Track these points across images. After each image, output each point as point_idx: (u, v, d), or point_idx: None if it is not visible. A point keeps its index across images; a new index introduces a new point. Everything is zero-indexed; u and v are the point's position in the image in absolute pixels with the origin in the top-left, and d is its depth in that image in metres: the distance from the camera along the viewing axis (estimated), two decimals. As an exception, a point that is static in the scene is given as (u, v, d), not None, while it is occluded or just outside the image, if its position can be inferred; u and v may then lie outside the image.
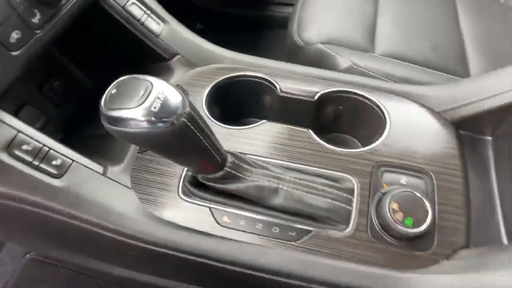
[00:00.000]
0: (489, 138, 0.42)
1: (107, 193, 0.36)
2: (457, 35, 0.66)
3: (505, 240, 0.36)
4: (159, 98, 0.24)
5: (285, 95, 0.45)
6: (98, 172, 0.36)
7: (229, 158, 0.34)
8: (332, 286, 0.32)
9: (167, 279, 0.53)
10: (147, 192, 0.38)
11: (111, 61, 0.52)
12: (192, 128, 0.27)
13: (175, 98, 0.25)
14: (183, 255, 0.35)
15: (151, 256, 0.38)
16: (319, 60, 0.58)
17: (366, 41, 0.61)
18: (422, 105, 0.43)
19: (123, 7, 0.45)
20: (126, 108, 0.24)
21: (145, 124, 0.24)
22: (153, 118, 0.24)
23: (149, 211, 0.36)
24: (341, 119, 0.48)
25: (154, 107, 0.24)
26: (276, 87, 0.45)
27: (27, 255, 0.76)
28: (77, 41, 0.48)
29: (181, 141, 0.27)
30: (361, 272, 0.32)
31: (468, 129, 0.42)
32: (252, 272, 0.34)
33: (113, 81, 0.25)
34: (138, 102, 0.24)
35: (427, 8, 0.71)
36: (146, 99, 0.24)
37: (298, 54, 0.62)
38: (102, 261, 0.53)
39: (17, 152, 0.32)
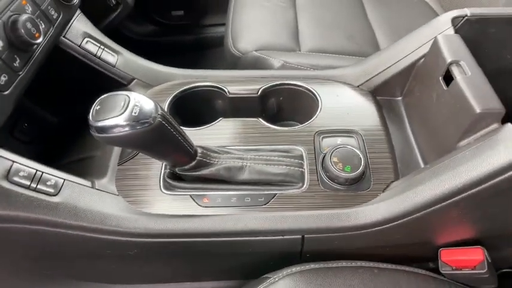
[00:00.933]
0: (399, 98, 0.53)
1: (99, 202, 0.42)
2: (367, 24, 0.79)
3: (422, 165, 0.46)
4: (136, 105, 0.31)
5: (234, 95, 0.53)
6: (87, 186, 0.42)
7: (199, 150, 0.41)
8: (299, 232, 0.40)
9: (166, 279, 0.58)
10: (133, 195, 0.44)
11: (72, 95, 0.57)
12: (166, 125, 0.34)
13: (149, 104, 0.32)
14: (176, 239, 0.42)
15: (149, 250, 0.44)
16: (256, 65, 0.67)
17: (292, 43, 0.72)
18: (344, 83, 0.54)
19: (79, 46, 0.51)
20: (112, 117, 0.31)
21: (128, 127, 0.31)
22: (134, 121, 0.31)
23: (139, 210, 0.42)
24: (284, 108, 0.57)
25: (135, 113, 0.31)
26: (224, 91, 0.53)
27: None
28: (37, 82, 0.54)
29: (159, 138, 0.34)
30: (319, 215, 0.41)
31: (383, 94, 0.53)
32: (235, 238, 0.41)
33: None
34: (120, 111, 0.31)
35: (338, 5, 0.83)
36: (127, 108, 0.31)
37: (237, 64, 0.70)
38: (101, 279, 0.57)
39: (16, 179, 0.37)
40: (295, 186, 0.43)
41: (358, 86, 0.53)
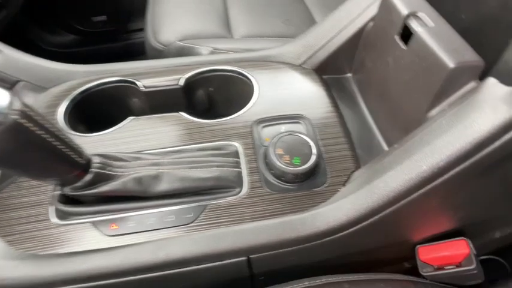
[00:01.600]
0: (349, 74, 0.45)
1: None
2: (303, 7, 0.71)
3: (386, 148, 0.38)
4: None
5: (150, 89, 0.42)
6: None
7: (95, 159, 0.30)
8: (243, 253, 0.30)
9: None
10: (16, 231, 0.32)
11: None
12: (29, 126, 0.23)
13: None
14: (74, 286, 0.30)
15: None
16: (181, 56, 0.57)
17: (223, 30, 0.63)
18: (283, 63, 0.45)
19: None
20: None
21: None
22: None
23: (22, 252, 0.30)
24: (215, 100, 0.47)
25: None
26: (137, 86, 0.42)
27: None
28: None
29: (21, 144, 0.23)
30: (266, 227, 0.31)
31: (330, 72, 0.45)
32: (158, 273, 0.30)
33: None
34: None
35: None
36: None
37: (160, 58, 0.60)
38: None
39: None
40: (231, 192, 0.33)
41: (299, 65, 0.44)
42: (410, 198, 0.28)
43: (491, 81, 0.26)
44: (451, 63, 0.27)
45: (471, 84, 0.28)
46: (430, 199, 0.29)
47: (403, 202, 0.28)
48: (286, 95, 0.40)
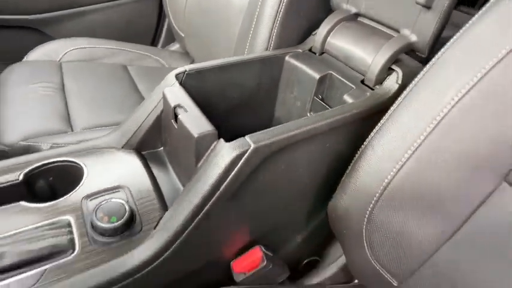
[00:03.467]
0: (161, 148, 0.61)
1: None
2: (138, 95, 0.87)
3: None
4: None
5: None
6: None
7: None
8: None
9: None
10: None
11: None
12: None
13: None
14: None
15: None
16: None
17: (63, 125, 0.73)
18: (108, 147, 0.58)
19: None
20: None
21: None
22: None
23: None
24: (58, 187, 0.56)
25: None
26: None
27: None
28: None
29: None
30: (94, 273, 0.41)
31: (146, 148, 0.59)
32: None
33: None
34: None
35: (109, 86, 0.90)
36: None
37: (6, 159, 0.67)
38: None
39: None
40: (68, 254, 0.43)
41: (122, 147, 0.58)
42: (196, 221, 0.43)
43: (220, 141, 0.43)
44: (195, 134, 0.44)
45: (214, 144, 0.45)
46: (210, 220, 0.44)
47: (192, 226, 0.43)
48: (112, 172, 0.53)
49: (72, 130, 0.72)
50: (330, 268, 0.63)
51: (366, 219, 0.47)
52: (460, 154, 0.39)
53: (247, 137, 0.42)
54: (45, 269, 0.41)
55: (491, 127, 0.37)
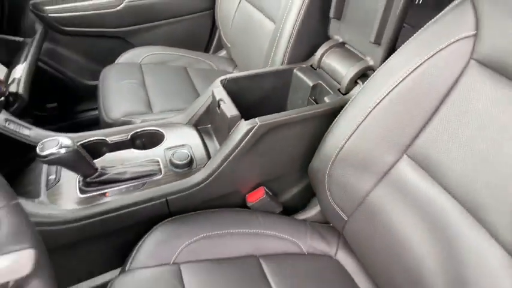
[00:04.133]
0: (209, 125, 0.96)
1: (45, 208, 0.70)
2: (194, 91, 1.24)
3: None
4: (61, 141, 0.65)
5: (114, 141, 0.87)
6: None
7: (99, 167, 0.74)
8: (163, 196, 0.76)
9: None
10: (61, 203, 0.72)
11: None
12: (79, 152, 0.67)
13: (68, 140, 0.66)
14: (91, 220, 0.72)
15: (80, 230, 0.71)
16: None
17: (146, 108, 1.11)
18: (177, 123, 0.94)
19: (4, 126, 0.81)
20: (52, 148, 0.64)
21: (59, 152, 0.64)
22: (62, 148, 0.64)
23: (65, 209, 0.72)
24: (147, 143, 0.93)
25: (61, 144, 0.65)
26: (107, 141, 0.87)
27: None
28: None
29: (76, 159, 0.67)
30: (175, 184, 0.77)
31: (202, 124, 0.95)
32: (126, 210, 0.74)
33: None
34: (56, 145, 0.64)
35: (175, 83, 1.27)
36: (58, 143, 0.64)
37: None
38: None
39: None
40: (157, 175, 0.79)
41: (186, 124, 0.94)
42: (224, 165, 0.77)
43: (241, 122, 0.77)
44: (229, 116, 0.78)
45: (238, 122, 0.79)
46: (232, 165, 0.78)
47: (222, 167, 0.77)
48: (179, 137, 0.89)
49: (152, 112, 1.10)
50: (312, 211, 0.95)
51: (327, 174, 0.78)
52: (382, 133, 0.66)
53: (257, 119, 0.76)
54: (146, 182, 0.77)
55: (399, 118, 0.64)
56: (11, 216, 0.39)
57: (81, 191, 0.74)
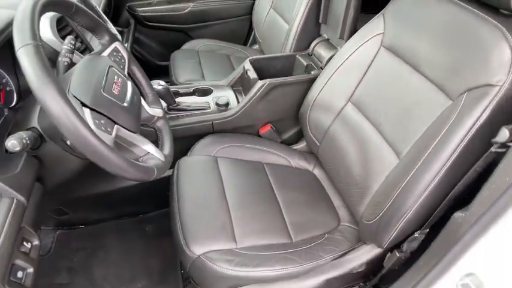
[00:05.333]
0: (240, 87, 1.52)
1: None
2: (233, 69, 1.81)
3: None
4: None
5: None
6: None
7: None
8: (210, 120, 1.33)
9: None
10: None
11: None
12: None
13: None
14: (175, 127, 1.30)
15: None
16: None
17: (201, 77, 1.70)
18: (221, 85, 1.51)
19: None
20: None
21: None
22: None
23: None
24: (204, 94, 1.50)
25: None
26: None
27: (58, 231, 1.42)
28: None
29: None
30: (217, 116, 1.34)
31: (235, 86, 1.51)
32: (198, 124, 1.32)
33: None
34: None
35: (220, 63, 1.86)
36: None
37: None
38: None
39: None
40: (208, 109, 1.36)
41: (226, 85, 1.51)
42: (246, 107, 1.33)
43: (258, 81, 1.33)
44: (251, 78, 1.34)
45: (257, 82, 1.34)
46: (250, 107, 1.34)
47: (245, 107, 1.33)
48: (221, 91, 1.46)
49: (204, 79, 1.69)
50: (301, 144, 1.47)
51: (307, 115, 1.32)
52: (337, 88, 1.19)
53: (267, 79, 1.31)
54: (201, 112, 1.35)
55: (346, 79, 1.17)
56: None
57: (167, 113, 1.32)
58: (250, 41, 2.23)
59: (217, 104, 1.37)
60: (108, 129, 0.66)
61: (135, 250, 1.37)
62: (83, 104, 0.65)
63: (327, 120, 1.22)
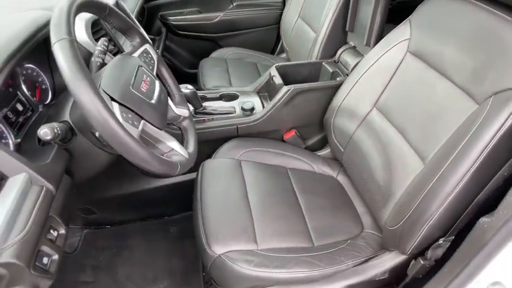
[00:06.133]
0: (266, 93, 1.54)
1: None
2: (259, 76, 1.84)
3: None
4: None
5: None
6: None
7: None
8: (234, 125, 1.35)
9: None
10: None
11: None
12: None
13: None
14: (202, 130, 1.34)
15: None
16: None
17: (228, 84, 1.74)
18: (247, 91, 1.54)
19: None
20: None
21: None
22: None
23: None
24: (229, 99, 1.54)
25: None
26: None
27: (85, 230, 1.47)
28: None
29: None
30: (242, 120, 1.36)
31: (261, 92, 1.53)
32: (223, 128, 1.34)
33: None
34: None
35: (246, 70, 1.89)
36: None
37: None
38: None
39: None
40: (233, 113, 1.38)
41: (252, 91, 1.54)
42: (271, 112, 1.35)
43: (283, 86, 1.35)
44: (277, 83, 1.36)
45: (282, 87, 1.36)
46: (275, 112, 1.35)
47: (268, 113, 1.35)
48: (247, 97, 1.48)
49: (231, 85, 1.72)
50: (325, 150, 1.47)
51: (332, 121, 1.32)
52: (362, 94, 1.20)
53: (292, 85, 1.32)
54: (227, 116, 1.37)
55: (371, 85, 1.17)
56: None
57: (193, 116, 1.36)
58: (277, 50, 2.25)
59: (242, 109, 1.39)
60: (135, 123, 0.70)
61: (159, 251, 1.39)
62: (112, 99, 0.69)
63: (352, 126, 1.22)
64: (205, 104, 1.41)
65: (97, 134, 0.74)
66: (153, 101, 0.78)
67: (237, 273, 0.92)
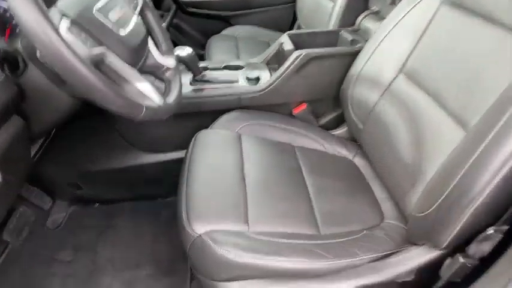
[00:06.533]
0: (276, 65, 1.37)
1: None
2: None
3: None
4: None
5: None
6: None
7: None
8: (237, 95, 1.18)
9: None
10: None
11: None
12: None
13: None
14: (200, 99, 1.17)
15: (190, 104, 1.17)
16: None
17: (236, 58, 1.57)
18: (255, 62, 1.36)
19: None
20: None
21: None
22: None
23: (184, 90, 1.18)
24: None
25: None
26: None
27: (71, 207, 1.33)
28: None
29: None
30: (247, 88, 1.19)
31: (271, 64, 1.36)
32: (225, 98, 1.17)
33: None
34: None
35: (257, 46, 1.72)
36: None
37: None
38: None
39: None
40: (236, 82, 1.21)
41: (261, 62, 1.36)
42: (279, 80, 1.17)
43: (295, 51, 1.16)
44: (288, 49, 1.18)
45: (293, 52, 1.18)
46: (283, 81, 1.17)
47: (276, 83, 1.17)
48: (255, 69, 1.30)
49: (239, 59, 1.55)
50: (340, 129, 1.28)
51: (349, 91, 1.13)
52: (385, 58, 1.01)
53: (303, 50, 1.14)
54: (228, 85, 1.20)
55: (396, 47, 0.98)
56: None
57: (191, 84, 1.19)
58: (295, 27, 2.08)
59: (247, 78, 1.22)
60: (89, 43, 0.56)
61: (146, 235, 1.24)
62: (65, 15, 0.56)
63: (373, 96, 1.03)
64: (206, 72, 1.25)
65: (38, 54, 0.61)
66: (122, 33, 0.64)
67: (219, 258, 0.73)
